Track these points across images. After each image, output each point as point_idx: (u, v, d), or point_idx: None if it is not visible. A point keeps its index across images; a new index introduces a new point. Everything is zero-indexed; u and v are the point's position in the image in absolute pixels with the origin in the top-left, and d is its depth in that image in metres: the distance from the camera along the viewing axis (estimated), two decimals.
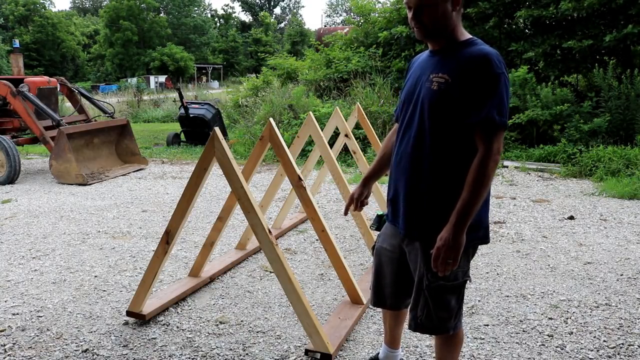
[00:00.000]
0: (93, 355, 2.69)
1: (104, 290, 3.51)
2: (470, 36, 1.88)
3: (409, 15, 1.88)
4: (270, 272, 3.76)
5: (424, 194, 1.89)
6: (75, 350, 2.74)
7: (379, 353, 2.49)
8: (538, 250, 4.20)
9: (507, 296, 3.34)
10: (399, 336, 2.41)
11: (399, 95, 2.10)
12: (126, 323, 3.03)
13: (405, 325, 2.23)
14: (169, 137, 10.51)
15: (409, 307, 2.02)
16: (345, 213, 2.33)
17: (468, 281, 1.96)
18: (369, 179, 2.26)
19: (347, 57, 10.53)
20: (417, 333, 2.80)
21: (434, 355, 2.57)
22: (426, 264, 1.89)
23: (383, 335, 2.83)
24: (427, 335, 2.79)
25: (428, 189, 1.88)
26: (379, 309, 3.13)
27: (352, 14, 13.70)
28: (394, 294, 2.15)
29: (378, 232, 2.25)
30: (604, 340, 2.78)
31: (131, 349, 2.75)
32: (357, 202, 2.28)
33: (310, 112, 3.99)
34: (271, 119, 3.20)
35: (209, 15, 66.04)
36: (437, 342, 2.12)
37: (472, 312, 3.12)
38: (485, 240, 1.97)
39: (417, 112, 1.90)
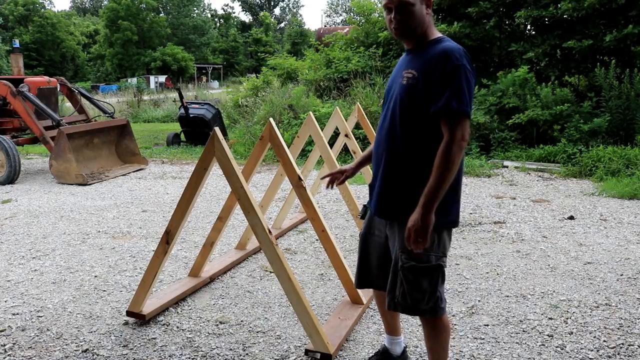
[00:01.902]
0: (93, 355, 2.70)
1: (104, 290, 3.51)
2: (440, 35, 2.04)
3: (389, 16, 2.03)
4: (270, 272, 3.76)
5: (399, 179, 2.05)
6: (75, 350, 2.74)
7: (384, 345, 2.55)
8: (538, 250, 4.20)
9: (507, 296, 3.34)
10: (398, 323, 2.51)
11: None
12: (126, 323, 3.03)
13: (404, 316, 2.37)
14: (169, 137, 10.52)
15: (387, 290, 2.12)
16: (328, 185, 2.54)
17: (443, 266, 2.04)
18: (362, 163, 2.49)
19: (347, 57, 10.53)
20: (418, 333, 2.82)
21: None
22: (401, 244, 2.02)
23: (383, 332, 2.84)
24: None
25: (402, 175, 2.03)
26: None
27: (352, 13, 13.70)
28: (381, 276, 2.26)
29: (363, 220, 2.37)
30: (604, 340, 2.78)
31: (131, 349, 2.75)
32: (342, 174, 2.49)
33: (310, 112, 3.99)
34: (271, 119, 3.20)
35: (209, 15, 66.03)
36: (424, 332, 2.20)
37: (472, 312, 3.12)
38: (454, 224, 2.07)
39: (391, 105, 2.08)
